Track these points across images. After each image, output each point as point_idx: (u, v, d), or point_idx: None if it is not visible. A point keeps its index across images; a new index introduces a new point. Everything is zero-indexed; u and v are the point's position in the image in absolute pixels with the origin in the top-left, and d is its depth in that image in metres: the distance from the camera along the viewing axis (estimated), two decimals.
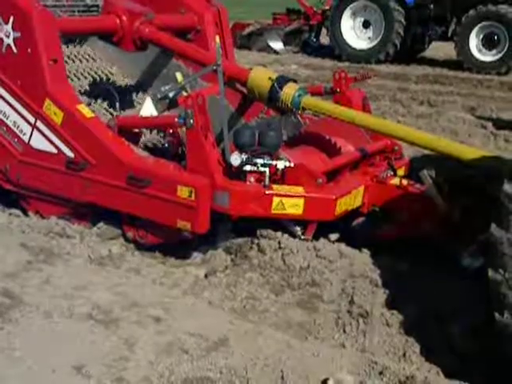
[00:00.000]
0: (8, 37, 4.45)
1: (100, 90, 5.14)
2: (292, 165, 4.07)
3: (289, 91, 4.50)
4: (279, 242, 4.12)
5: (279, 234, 4.16)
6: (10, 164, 4.72)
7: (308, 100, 4.51)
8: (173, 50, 5.14)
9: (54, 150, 4.47)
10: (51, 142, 4.47)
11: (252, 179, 4.02)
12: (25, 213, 4.90)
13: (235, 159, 3.98)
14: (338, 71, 5.11)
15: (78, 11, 5.53)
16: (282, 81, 4.55)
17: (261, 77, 4.61)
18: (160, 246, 4.42)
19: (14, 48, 4.46)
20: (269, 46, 16.62)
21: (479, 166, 3.93)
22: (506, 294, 2.76)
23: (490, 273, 2.85)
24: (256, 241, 4.20)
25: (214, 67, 4.40)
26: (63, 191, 4.54)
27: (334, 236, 4.43)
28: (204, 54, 4.91)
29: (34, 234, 4.56)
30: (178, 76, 4.71)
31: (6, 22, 4.43)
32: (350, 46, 15.45)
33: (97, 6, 5.62)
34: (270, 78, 4.55)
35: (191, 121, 3.98)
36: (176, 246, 4.37)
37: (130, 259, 4.31)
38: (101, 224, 4.60)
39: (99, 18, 5.17)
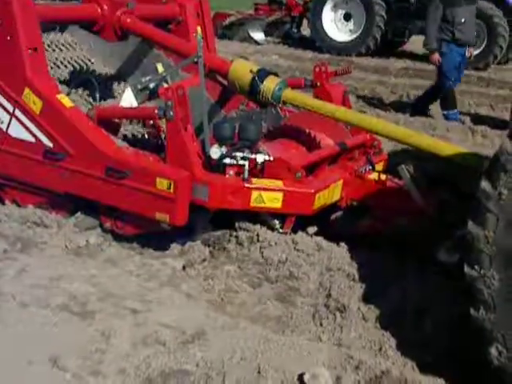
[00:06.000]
0: None
1: (80, 79, 5.09)
2: (271, 158, 4.08)
3: (269, 84, 4.50)
4: (257, 235, 4.13)
5: (257, 226, 4.17)
6: None
7: (288, 93, 4.51)
8: (154, 41, 5.11)
9: (33, 140, 4.43)
10: (30, 131, 4.42)
11: (231, 172, 4.01)
12: (1, 201, 4.86)
13: (215, 152, 3.98)
14: (319, 64, 5.12)
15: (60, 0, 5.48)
16: (263, 74, 4.54)
17: (242, 69, 4.61)
18: (138, 236, 4.41)
19: None
20: (250, 37, 16.61)
21: (456, 162, 3.97)
22: (482, 290, 2.79)
23: (466, 269, 2.88)
24: (234, 233, 4.21)
25: (195, 59, 4.38)
26: (41, 181, 4.50)
27: (311, 229, 4.45)
28: (185, 45, 4.89)
29: (11, 223, 4.52)
30: (159, 67, 4.69)
31: None
32: (330, 38, 15.50)
33: None
34: (251, 71, 4.55)
35: (171, 112, 3.96)
36: (154, 237, 4.36)
37: (108, 250, 4.29)
38: (78, 214, 4.57)
39: (80, 7, 5.11)
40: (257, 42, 16.50)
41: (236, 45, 15.92)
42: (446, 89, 8.73)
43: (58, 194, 4.52)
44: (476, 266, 2.83)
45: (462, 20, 8.40)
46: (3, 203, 4.83)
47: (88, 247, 4.29)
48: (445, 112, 8.86)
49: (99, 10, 4.89)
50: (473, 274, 2.84)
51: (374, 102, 9.85)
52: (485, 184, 2.86)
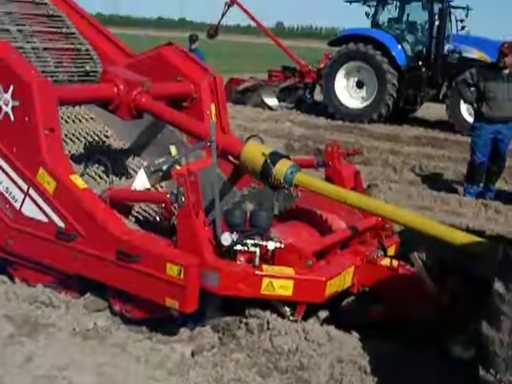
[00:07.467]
0: (7, 105, 4.46)
1: (94, 159, 5.12)
2: (282, 246, 4.05)
3: (281, 168, 4.49)
4: (268, 322, 4.05)
5: (268, 313, 4.10)
6: None
7: (301, 177, 4.50)
8: (168, 122, 5.17)
9: (45, 219, 4.44)
10: (42, 211, 4.45)
11: (242, 259, 3.99)
12: (12, 279, 4.84)
13: (226, 239, 3.95)
14: (331, 144, 5.15)
15: (78, 76, 5.56)
16: (275, 157, 4.54)
17: (254, 152, 4.61)
18: (147, 320, 4.36)
19: (11, 116, 4.47)
20: (263, 102, 16.81)
21: (470, 251, 3.92)
22: None
23: (481, 372, 2.82)
24: (244, 320, 4.14)
25: (208, 143, 4.41)
26: (52, 260, 4.50)
27: (323, 313, 4.39)
28: (198, 127, 4.92)
29: (20, 303, 4.49)
30: (172, 150, 4.71)
31: (6, 91, 4.44)
32: (343, 105, 15.67)
33: (96, 71, 5.65)
34: (263, 154, 4.55)
35: (182, 199, 3.97)
36: (163, 321, 4.31)
37: (116, 333, 4.22)
38: (88, 295, 4.54)
39: (97, 87, 5.19)
40: (270, 108, 16.69)
41: (249, 110, 16.09)
42: (470, 163, 8.81)
43: (67, 274, 4.50)
44: (491, 370, 2.77)
45: (492, 95, 8.29)
46: (13, 281, 4.81)
47: (96, 330, 4.24)
48: (465, 185, 8.87)
49: (115, 90, 4.93)
50: (488, 379, 2.78)
51: (387, 174, 9.84)
52: (498, 285, 2.83)
